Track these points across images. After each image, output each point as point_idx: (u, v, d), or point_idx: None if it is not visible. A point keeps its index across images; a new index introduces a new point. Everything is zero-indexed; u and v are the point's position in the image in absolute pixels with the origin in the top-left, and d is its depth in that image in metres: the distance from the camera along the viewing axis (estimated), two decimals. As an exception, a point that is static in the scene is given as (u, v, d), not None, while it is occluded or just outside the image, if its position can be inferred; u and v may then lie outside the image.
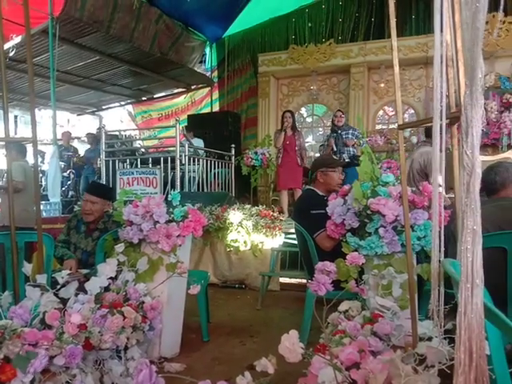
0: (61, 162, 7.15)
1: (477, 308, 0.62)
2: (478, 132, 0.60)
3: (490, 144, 6.41)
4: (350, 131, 5.76)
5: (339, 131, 5.73)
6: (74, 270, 2.73)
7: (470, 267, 0.62)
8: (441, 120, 0.86)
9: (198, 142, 6.72)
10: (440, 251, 0.94)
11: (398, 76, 1.38)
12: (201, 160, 6.13)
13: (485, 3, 0.55)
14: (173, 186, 5.33)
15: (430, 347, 1.24)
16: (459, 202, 0.87)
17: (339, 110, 6.11)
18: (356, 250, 2.07)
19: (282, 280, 4.60)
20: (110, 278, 2.36)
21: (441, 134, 0.94)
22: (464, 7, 0.57)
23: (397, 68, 1.37)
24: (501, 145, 6.30)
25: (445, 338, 1.31)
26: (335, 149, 5.70)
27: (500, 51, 6.41)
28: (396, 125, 6.28)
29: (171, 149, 5.84)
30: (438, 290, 0.99)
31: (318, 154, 7.64)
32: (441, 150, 0.94)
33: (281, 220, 4.78)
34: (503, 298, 1.82)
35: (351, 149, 5.65)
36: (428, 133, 3.94)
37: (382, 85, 7.40)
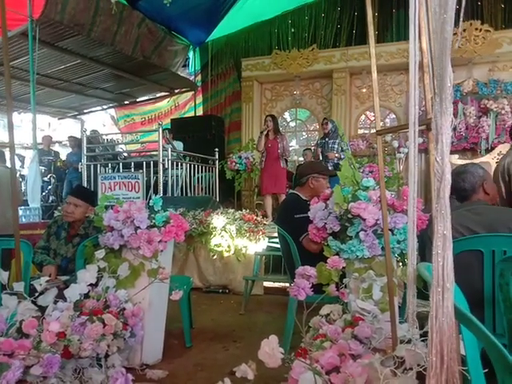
0: (41, 167, 7.03)
1: (448, 311, 0.63)
2: (448, 139, 0.61)
3: (469, 148, 6.56)
4: (337, 141, 5.77)
5: (326, 139, 5.80)
6: (54, 276, 2.68)
7: (440, 271, 0.63)
8: (415, 126, 0.87)
9: (178, 145, 6.69)
10: (414, 255, 0.96)
11: (376, 83, 1.40)
12: (184, 164, 6.10)
13: (452, 15, 0.57)
14: (155, 191, 5.29)
15: (409, 350, 1.26)
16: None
17: (325, 118, 6.16)
18: (337, 254, 2.09)
19: (266, 284, 4.60)
20: (91, 284, 2.32)
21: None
22: (433, 17, 0.59)
23: (375, 74, 1.39)
24: (479, 149, 6.45)
25: (424, 341, 1.33)
26: (321, 158, 5.75)
27: (477, 58, 6.57)
28: (378, 129, 6.35)
29: (154, 153, 5.79)
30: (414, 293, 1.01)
31: (301, 158, 7.69)
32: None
33: (264, 224, 4.79)
34: (480, 301, 1.86)
35: (335, 159, 5.66)
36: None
37: (364, 90, 7.50)
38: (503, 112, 6.26)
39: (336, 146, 5.69)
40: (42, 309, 2.12)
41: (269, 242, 4.65)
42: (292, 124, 8.71)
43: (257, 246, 4.60)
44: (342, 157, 5.61)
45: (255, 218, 4.81)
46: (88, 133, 7.26)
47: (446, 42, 0.57)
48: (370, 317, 1.71)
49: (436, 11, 0.57)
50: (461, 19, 0.60)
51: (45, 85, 7.82)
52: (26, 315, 1.91)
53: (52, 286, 2.36)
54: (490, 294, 1.85)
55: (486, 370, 1.05)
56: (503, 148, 5.99)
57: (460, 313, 0.70)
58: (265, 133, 5.59)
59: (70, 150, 8.18)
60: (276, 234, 3.92)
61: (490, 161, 6.00)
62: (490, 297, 1.86)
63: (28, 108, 8.29)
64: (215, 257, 4.69)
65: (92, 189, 5.46)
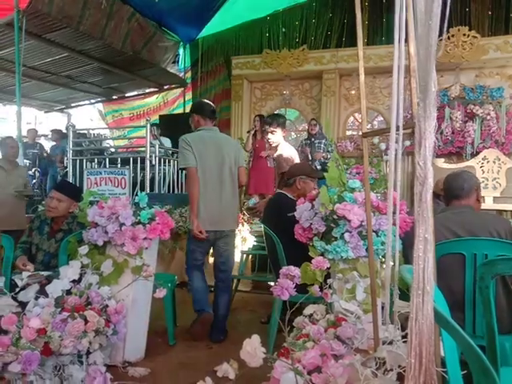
0: (26, 160, 6.92)
1: (427, 314, 0.64)
2: (431, 144, 0.62)
3: (455, 152, 6.65)
4: (323, 141, 5.80)
5: (313, 139, 5.83)
6: (26, 263, 2.64)
7: (421, 274, 0.64)
8: (398, 130, 0.88)
9: (165, 142, 6.63)
10: (391, 257, 0.97)
11: (363, 85, 1.41)
12: (172, 161, 6.05)
13: (437, 22, 0.58)
14: (142, 187, 5.24)
15: (390, 351, 1.27)
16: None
17: (313, 119, 6.19)
18: (322, 254, 2.10)
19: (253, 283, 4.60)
20: (73, 281, 2.30)
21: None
22: (419, 23, 0.60)
23: (362, 77, 1.39)
24: (465, 153, 6.53)
25: (405, 342, 1.35)
26: (310, 157, 5.76)
27: (465, 63, 6.66)
28: (365, 131, 6.36)
29: (141, 149, 5.74)
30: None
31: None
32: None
33: (251, 223, 4.79)
34: (461, 303, 1.89)
35: (322, 159, 5.68)
36: None
37: (353, 92, 7.54)
38: (488, 118, 6.36)
39: (322, 146, 5.71)
40: (23, 305, 2.09)
41: (255, 241, 4.65)
42: (281, 124, 8.72)
43: (243, 244, 4.61)
44: (329, 156, 5.64)
45: (242, 216, 4.81)
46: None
47: (430, 49, 0.57)
48: (353, 317, 1.73)
49: (422, 17, 0.57)
50: (445, 25, 0.60)
51: (31, 77, 7.68)
52: (6, 311, 1.88)
53: (34, 281, 2.32)
54: (471, 296, 1.89)
55: (465, 372, 1.07)
56: (488, 153, 6.09)
57: (438, 315, 0.71)
58: (252, 132, 5.59)
59: (54, 143, 8.08)
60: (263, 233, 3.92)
61: (475, 165, 6.10)
62: (470, 299, 1.89)
63: (13, 100, 8.13)
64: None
65: (78, 184, 5.39)
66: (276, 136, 3.68)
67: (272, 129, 3.68)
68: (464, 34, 6.56)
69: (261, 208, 3.54)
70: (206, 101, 3.51)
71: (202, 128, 3.08)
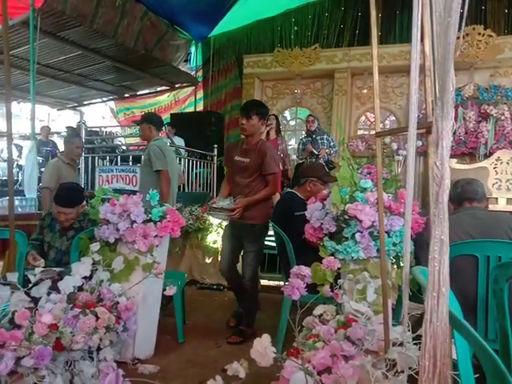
0: (39, 157, 7.00)
1: (442, 316, 0.63)
2: (448, 144, 0.61)
3: (468, 153, 6.57)
4: (325, 136, 5.77)
5: (313, 135, 5.79)
6: (37, 258, 2.66)
7: (436, 276, 0.63)
8: (415, 129, 0.87)
9: (179, 141, 6.66)
10: (410, 258, 0.96)
11: (377, 84, 1.39)
12: (182, 159, 6.08)
13: (456, 19, 0.57)
14: (153, 185, 5.27)
15: (401, 353, 1.26)
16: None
17: (310, 115, 6.18)
18: (333, 254, 2.09)
19: (262, 282, 4.59)
20: (85, 277, 2.32)
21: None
22: (437, 21, 0.59)
23: (376, 76, 1.38)
24: (478, 154, 6.45)
25: (416, 344, 1.33)
26: (315, 152, 5.72)
27: (479, 63, 6.57)
28: (377, 131, 6.29)
29: (153, 147, 5.76)
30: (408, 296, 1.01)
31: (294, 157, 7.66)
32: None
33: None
34: (473, 306, 1.87)
35: (326, 156, 5.65)
36: None
37: (365, 91, 7.49)
38: (503, 118, 6.26)
39: (325, 142, 5.68)
40: (35, 300, 2.11)
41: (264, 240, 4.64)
42: (292, 123, 8.69)
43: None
44: (332, 152, 5.63)
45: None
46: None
47: (449, 47, 0.56)
48: (364, 318, 1.71)
49: (441, 15, 0.56)
50: (463, 24, 0.59)
51: (45, 75, 7.77)
52: (19, 306, 1.90)
53: (46, 276, 2.35)
54: (484, 299, 1.86)
55: (477, 375, 1.06)
56: (501, 154, 6.01)
57: (453, 318, 0.70)
58: (267, 129, 5.56)
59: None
60: (271, 232, 3.91)
61: (488, 166, 6.02)
62: (483, 302, 1.87)
63: (27, 98, 8.23)
64: (211, 252, 4.69)
65: (89, 181, 5.44)
66: (250, 126, 2.96)
67: (248, 116, 2.95)
68: (479, 33, 6.46)
69: (241, 210, 2.90)
70: (157, 114, 4.39)
71: (158, 138, 3.72)
